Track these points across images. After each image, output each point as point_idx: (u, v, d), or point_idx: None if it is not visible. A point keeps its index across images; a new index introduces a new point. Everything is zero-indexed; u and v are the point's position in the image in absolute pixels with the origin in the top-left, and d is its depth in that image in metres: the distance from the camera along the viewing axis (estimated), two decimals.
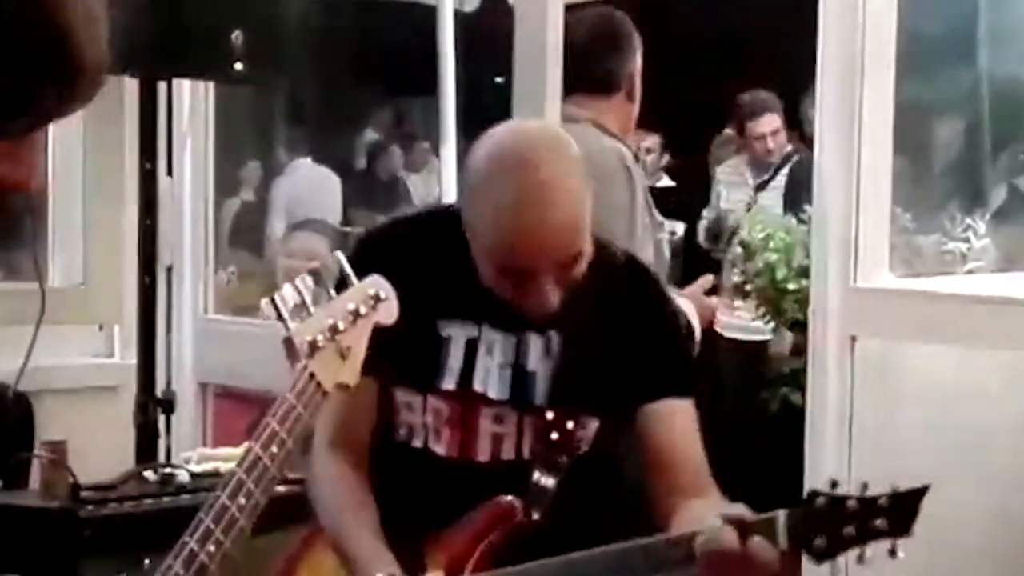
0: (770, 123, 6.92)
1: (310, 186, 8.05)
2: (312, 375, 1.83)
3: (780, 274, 5.91)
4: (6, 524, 3.54)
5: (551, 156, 2.40)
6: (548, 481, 2.49)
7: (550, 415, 2.50)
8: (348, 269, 1.94)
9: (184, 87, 4.79)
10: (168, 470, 3.77)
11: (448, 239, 2.51)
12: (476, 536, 2.47)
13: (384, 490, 2.56)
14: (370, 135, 9.28)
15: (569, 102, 3.80)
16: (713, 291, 4.11)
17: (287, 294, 1.86)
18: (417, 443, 2.57)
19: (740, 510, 2.19)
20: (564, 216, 2.38)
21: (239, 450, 3.89)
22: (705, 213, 6.94)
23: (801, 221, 5.92)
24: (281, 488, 3.52)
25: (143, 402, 4.12)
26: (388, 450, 2.59)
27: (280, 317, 1.85)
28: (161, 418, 4.16)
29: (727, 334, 6.70)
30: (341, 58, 8.62)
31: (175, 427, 4.37)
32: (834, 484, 2.11)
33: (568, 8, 3.90)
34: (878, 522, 2.07)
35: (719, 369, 6.77)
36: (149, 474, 3.74)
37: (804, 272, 5.24)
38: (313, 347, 1.85)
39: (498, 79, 4.72)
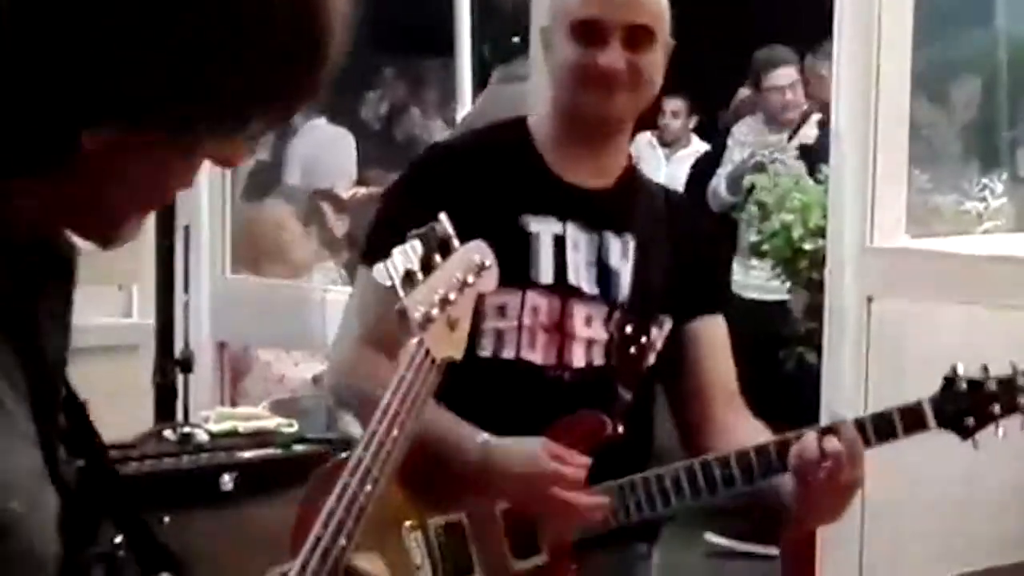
0: (787, 76, 6.87)
1: (324, 146, 8.04)
2: (428, 350, 1.79)
3: (796, 234, 5.89)
4: None
5: None
6: (627, 395, 2.55)
7: (629, 328, 2.55)
8: (451, 230, 1.89)
9: None
10: (187, 429, 3.78)
11: (517, 142, 2.61)
12: (576, 448, 2.47)
13: (465, 410, 2.49)
14: (389, 95, 9.27)
15: None
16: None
17: (398, 260, 1.82)
18: (508, 353, 2.55)
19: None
20: None
21: (257, 409, 3.95)
22: (719, 171, 6.92)
23: (818, 181, 5.91)
24: (276, 451, 3.58)
25: (161, 362, 4.14)
26: (469, 366, 2.46)
27: (393, 286, 1.82)
28: (179, 377, 4.18)
29: (744, 294, 6.70)
30: (358, 19, 8.65)
31: (193, 386, 4.38)
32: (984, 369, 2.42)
33: None
34: (1022, 399, 2.39)
35: (735, 328, 6.78)
36: (168, 433, 3.76)
37: (820, 232, 5.22)
38: (427, 320, 1.81)
39: (515, 38, 4.73)
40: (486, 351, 2.54)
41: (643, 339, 2.58)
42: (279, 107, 1.23)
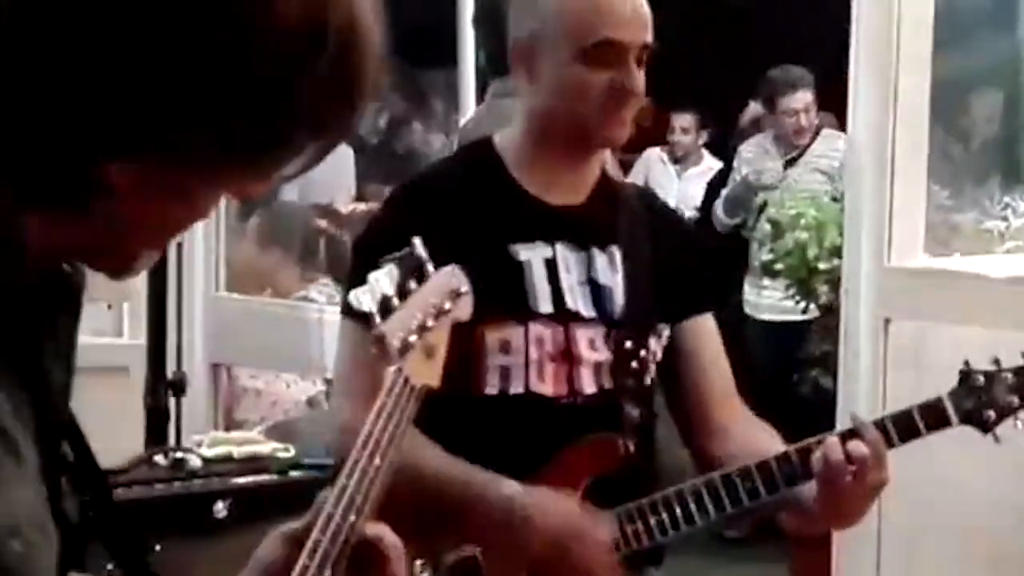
0: (803, 99, 6.85)
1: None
2: (407, 379, 1.77)
3: (811, 253, 5.91)
4: None
5: None
6: (635, 412, 2.56)
7: (628, 344, 2.55)
8: (425, 255, 1.88)
9: None
10: (179, 454, 3.74)
11: (489, 168, 2.58)
12: (583, 474, 2.49)
13: (474, 449, 2.47)
14: (388, 108, 9.26)
15: None
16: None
17: (373, 286, 1.81)
18: (517, 388, 2.52)
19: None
20: None
21: (252, 433, 3.89)
22: (723, 192, 6.90)
23: (834, 199, 5.89)
24: (272, 477, 3.54)
25: (153, 383, 4.11)
26: (472, 406, 2.50)
27: (369, 312, 1.81)
28: (172, 400, 4.15)
29: (756, 315, 6.67)
30: None
31: (186, 409, 4.34)
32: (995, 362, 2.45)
33: None
34: None
35: (748, 351, 6.76)
36: (159, 458, 3.72)
37: (836, 251, 5.23)
38: (406, 346, 1.79)
39: None
40: (493, 388, 2.51)
41: (643, 352, 2.57)
42: (324, 138, 1.24)
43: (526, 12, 2.55)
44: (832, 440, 2.38)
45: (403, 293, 1.83)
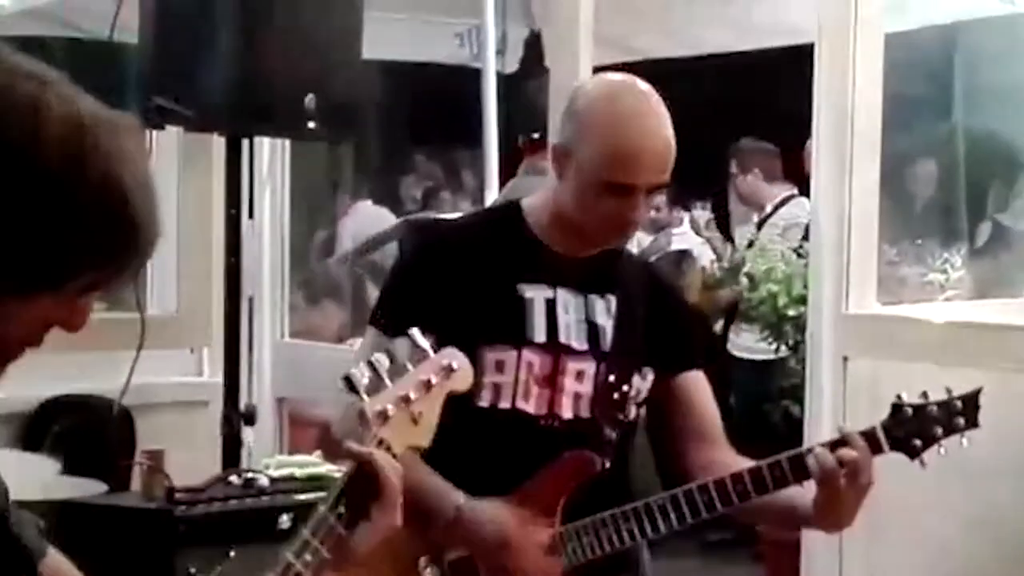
0: (768, 169, 6.88)
1: (369, 222, 8.09)
2: (381, 440, 1.76)
3: (781, 302, 5.88)
4: (112, 522, 3.57)
5: (652, 92, 2.51)
6: (612, 434, 2.52)
7: (612, 377, 2.52)
8: (424, 344, 1.87)
9: (264, 143, 4.81)
10: (250, 475, 3.77)
11: (511, 220, 2.57)
12: (562, 487, 2.46)
13: (465, 455, 2.43)
14: (424, 181, 9.32)
15: None
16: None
17: (363, 371, 1.80)
18: (504, 404, 2.50)
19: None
20: (670, 133, 2.46)
21: (311, 457, 3.93)
22: None
23: (798, 255, 5.91)
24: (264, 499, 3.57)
25: (228, 415, 4.10)
26: (468, 416, 2.41)
27: (354, 391, 1.80)
28: (244, 429, 4.14)
29: (735, 354, 6.68)
30: (398, 116, 8.68)
31: (256, 437, 4.36)
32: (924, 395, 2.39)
33: (596, 70, 3.91)
34: (959, 420, 2.37)
35: (728, 383, 6.77)
36: (234, 478, 3.75)
37: (802, 300, 5.21)
38: (384, 416, 1.78)
39: (535, 135, 4.74)
40: (484, 402, 2.49)
41: (624, 387, 2.53)
42: (104, 276, 1.30)
43: (567, 123, 2.51)
44: (820, 449, 2.35)
45: (397, 375, 1.83)
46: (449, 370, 1.88)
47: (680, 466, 2.59)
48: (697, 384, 2.63)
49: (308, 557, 1.61)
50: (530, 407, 2.50)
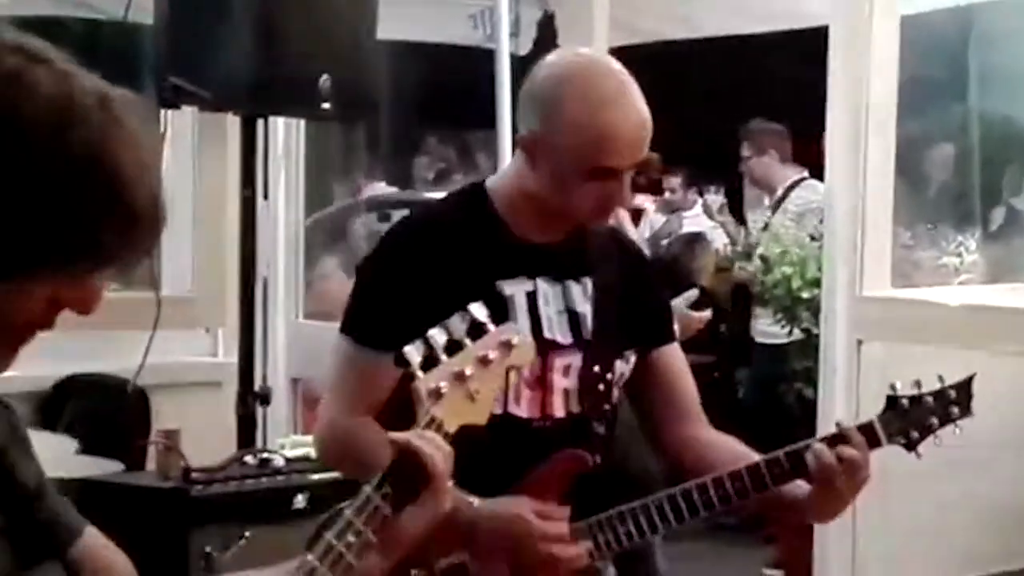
0: (779, 151, 6.85)
1: None
2: (433, 419, 1.71)
3: (795, 284, 5.87)
4: (128, 501, 3.58)
5: (620, 66, 2.43)
6: (601, 428, 2.50)
7: (597, 368, 2.47)
8: (483, 318, 1.81)
9: (279, 123, 4.81)
10: (265, 455, 3.79)
11: (479, 211, 2.49)
12: (558, 486, 2.43)
13: (457, 463, 2.40)
14: (437, 163, 9.30)
15: None
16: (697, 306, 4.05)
17: (417, 346, 1.75)
18: (496, 410, 2.37)
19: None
20: (644, 107, 2.38)
21: None
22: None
23: (812, 238, 5.90)
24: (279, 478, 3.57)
25: (243, 395, 4.11)
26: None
27: (409, 367, 1.75)
28: (259, 409, 4.16)
29: (758, 340, 6.68)
30: (412, 97, 8.67)
31: (271, 417, 4.38)
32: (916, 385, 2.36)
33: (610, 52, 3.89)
34: (954, 409, 2.35)
35: (749, 366, 6.80)
36: (249, 458, 3.77)
37: (816, 282, 5.20)
38: (437, 393, 1.73)
39: None
40: None
41: (609, 376, 2.49)
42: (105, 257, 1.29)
43: (533, 108, 2.42)
44: (819, 445, 2.32)
45: (453, 351, 1.78)
46: (508, 345, 1.83)
47: (658, 441, 2.58)
48: (673, 358, 2.59)
49: (351, 539, 1.57)
50: (522, 411, 2.45)
